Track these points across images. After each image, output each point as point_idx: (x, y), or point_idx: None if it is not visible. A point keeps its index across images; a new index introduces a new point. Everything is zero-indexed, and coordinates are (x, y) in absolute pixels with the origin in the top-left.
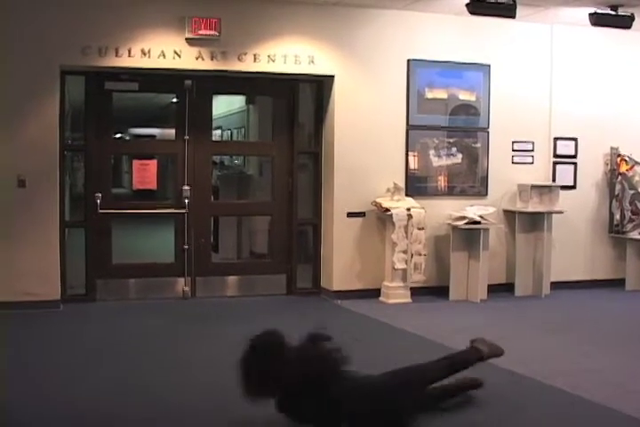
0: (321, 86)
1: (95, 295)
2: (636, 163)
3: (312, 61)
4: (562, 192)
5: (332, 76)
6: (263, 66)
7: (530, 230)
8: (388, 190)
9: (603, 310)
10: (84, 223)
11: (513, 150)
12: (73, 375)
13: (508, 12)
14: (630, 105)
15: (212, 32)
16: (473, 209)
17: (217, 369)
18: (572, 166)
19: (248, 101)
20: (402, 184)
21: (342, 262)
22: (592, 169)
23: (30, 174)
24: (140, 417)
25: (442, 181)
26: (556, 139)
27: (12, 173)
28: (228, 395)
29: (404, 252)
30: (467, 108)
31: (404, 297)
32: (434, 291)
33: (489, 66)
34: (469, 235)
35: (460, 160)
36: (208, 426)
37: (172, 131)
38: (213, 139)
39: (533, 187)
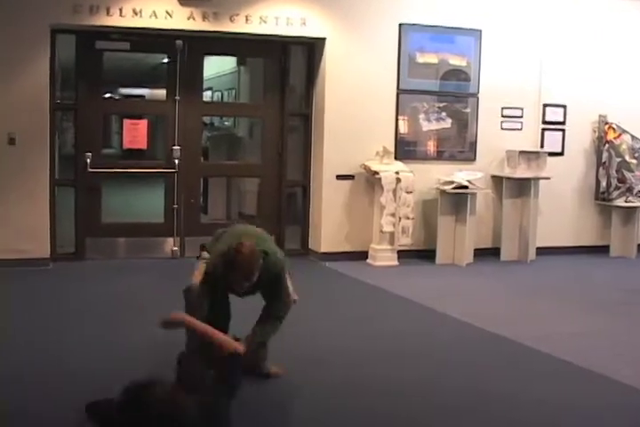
0: (312, 49)
1: (84, 254)
2: (624, 131)
3: (304, 23)
4: (549, 159)
5: (324, 39)
6: (255, 27)
7: (517, 196)
8: (378, 154)
9: (587, 275)
10: (73, 182)
11: (502, 116)
12: (60, 332)
13: None
14: (620, 73)
15: None
16: (461, 174)
17: None
18: (560, 133)
19: (239, 63)
20: (391, 148)
21: (330, 225)
22: (580, 136)
23: (20, 132)
24: (124, 373)
25: (431, 146)
26: (545, 105)
27: (3, 130)
28: None
29: (392, 215)
30: (457, 74)
31: (391, 260)
32: (421, 254)
33: (480, 31)
34: (457, 199)
35: (449, 125)
36: None
37: (162, 91)
38: (204, 100)
39: (521, 153)
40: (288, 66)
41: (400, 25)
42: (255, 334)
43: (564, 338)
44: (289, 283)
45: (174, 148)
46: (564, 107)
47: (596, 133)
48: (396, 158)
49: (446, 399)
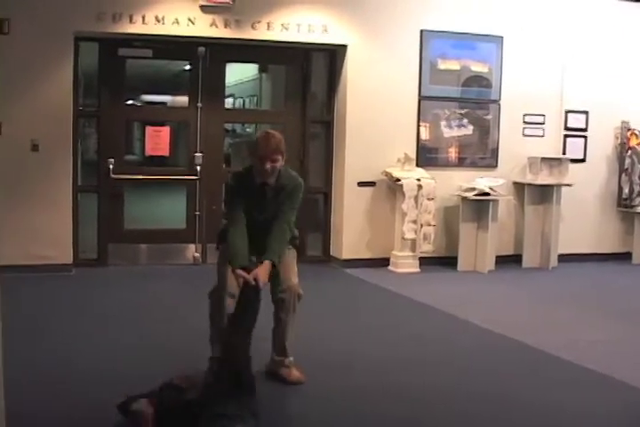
0: (334, 55)
1: (107, 260)
2: None
3: (325, 30)
4: (571, 165)
5: (345, 46)
6: (276, 34)
7: (539, 203)
8: (399, 160)
9: (609, 282)
10: (96, 188)
11: (524, 122)
12: (83, 337)
13: None
14: None
15: (226, 0)
16: (483, 181)
17: None
18: (582, 139)
19: (261, 70)
20: (413, 155)
21: (352, 231)
22: (602, 143)
23: (44, 139)
24: (149, 376)
25: (452, 153)
26: (567, 112)
27: (26, 137)
28: None
29: (414, 222)
30: (479, 80)
31: (412, 267)
32: (442, 261)
33: (502, 38)
34: (479, 206)
35: (470, 132)
36: None
37: (184, 98)
38: (226, 107)
39: (543, 159)
40: (310, 73)
41: (421, 31)
42: (272, 251)
43: (586, 346)
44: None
45: (196, 154)
46: (587, 113)
47: (619, 140)
48: (417, 165)
49: (467, 406)
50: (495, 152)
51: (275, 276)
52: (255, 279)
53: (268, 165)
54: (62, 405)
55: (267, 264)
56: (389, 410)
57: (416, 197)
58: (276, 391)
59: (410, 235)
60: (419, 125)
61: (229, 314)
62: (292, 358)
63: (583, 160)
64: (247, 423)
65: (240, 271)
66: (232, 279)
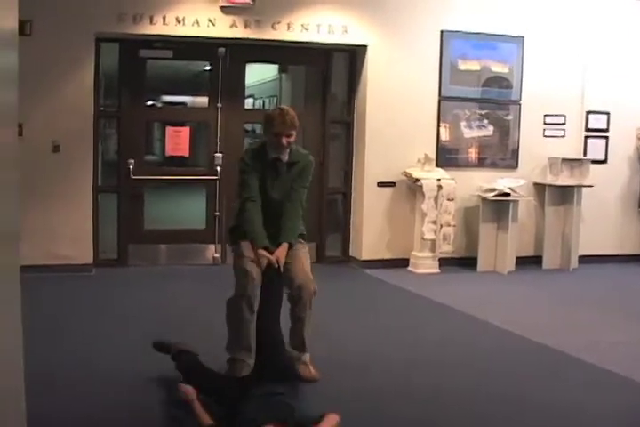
0: (354, 56)
1: (127, 260)
2: None
3: (345, 31)
4: (592, 166)
5: (366, 46)
6: (297, 35)
7: (559, 204)
8: (419, 161)
9: (630, 284)
10: (116, 189)
11: (544, 123)
12: (104, 337)
13: None
14: None
15: (246, 0)
16: (503, 181)
17: None
18: (603, 140)
19: (281, 70)
20: (433, 155)
21: (372, 232)
22: (623, 143)
23: (65, 140)
24: (170, 375)
25: (473, 153)
26: (588, 112)
27: (47, 138)
28: None
29: (434, 222)
30: (499, 81)
31: (432, 267)
32: (462, 262)
33: (522, 38)
34: (499, 207)
35: (491, 132)
36: None
37: (203, 99)
38: (246, 107)
39: (564, 160)
40: (330, 73)
41: (442, 32)
42: (288, 232)
43: (607, 347)
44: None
45: (216, 155)
46: (608, 114)
47: None
48: (437, 165)
49: (485, 408)
50: (515, 153)
51: (286, 270)
52: (277, 261)
53: (284, 140)
54: (82, 405)
55: (285, 246)
56: (403, 411)
57: (436, 198)
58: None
59: (429, 235)
60: (439, 126)
61: (260, 299)
62: (308, 355)
63: (604, 161)
64: (298, 402)
65: (264, 252)
66: (253, 269)
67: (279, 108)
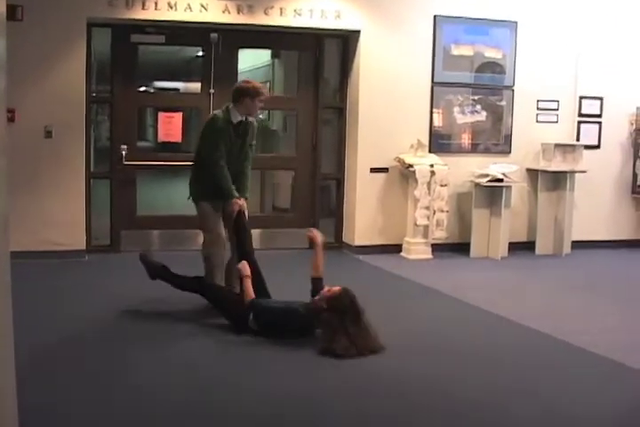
0: (347, 41)
1: (119, 246)
2: None
3: (338, 16)
4: (585, 151)
5: (358, 32)
6: (289, 20)
7: (552, 189)
8: (412, 147)
9: (623, 269)
10: (109, 175)
11: (537, 109)
12: (98, 323)
13: None
14: None
15: None
16: (496, 167)
17: None
18: (596, 126)
19: (273, 56)
20: (425, 141)
21: (364, 218)
22: (617, 129)
23: (57, 126)
24: (165, 360)
25: (465, 139)
26: (581, 98)
27: (40, 124)
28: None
29: (427, 208)
30: (492, 66)
31: (425, 253)
32: (455, 248)
33: (516, 23)
34: (492, 192)
35: (484, 118)
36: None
37: (196, 84)
38: None
39: (557, 146)
40: (322, 59)
41: (435, 17)
42: (244, 187)
43: (598, 332)
44: None
45: None
46: (601, 99)
47: (634, 126)
48: (430, 151)
49: (474, 394)
50: (508, 138)
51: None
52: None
53: (262, 104)
54: (78, 394)
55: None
56: (395, 399)
57: (429, 184)
58: (281, 378)
59: (422, 221)
60: (432, 111)
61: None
62: None
63: (597, 146)
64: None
65: (239, 201)
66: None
67: (250, 81)
